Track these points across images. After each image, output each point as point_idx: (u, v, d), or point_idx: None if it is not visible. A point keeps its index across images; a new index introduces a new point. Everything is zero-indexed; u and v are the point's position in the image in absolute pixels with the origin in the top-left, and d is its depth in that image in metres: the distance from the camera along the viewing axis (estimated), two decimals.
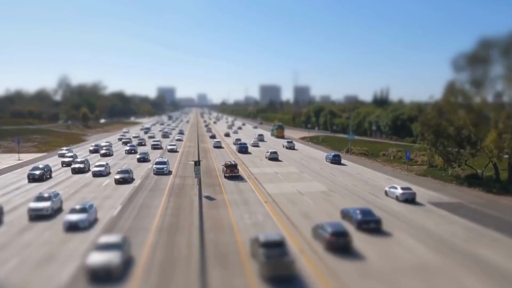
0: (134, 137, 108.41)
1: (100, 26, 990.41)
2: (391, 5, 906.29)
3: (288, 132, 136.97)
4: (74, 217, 28.34)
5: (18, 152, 71.95)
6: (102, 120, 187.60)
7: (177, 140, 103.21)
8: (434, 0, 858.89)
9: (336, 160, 63.61)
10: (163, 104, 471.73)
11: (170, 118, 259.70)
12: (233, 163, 50.91)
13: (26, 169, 51.77)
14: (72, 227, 27.82)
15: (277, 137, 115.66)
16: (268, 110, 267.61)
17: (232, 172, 48.75)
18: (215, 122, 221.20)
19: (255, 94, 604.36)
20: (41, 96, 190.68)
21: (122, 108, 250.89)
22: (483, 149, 45.24)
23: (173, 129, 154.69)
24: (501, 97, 44.95)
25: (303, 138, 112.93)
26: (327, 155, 67.83)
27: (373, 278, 20.56)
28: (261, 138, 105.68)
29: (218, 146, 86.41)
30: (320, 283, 19.95)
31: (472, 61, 44.42)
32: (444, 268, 21.97)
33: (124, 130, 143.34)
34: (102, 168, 50.75)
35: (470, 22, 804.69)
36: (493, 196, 40.80)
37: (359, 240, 26.07)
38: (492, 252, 24.33)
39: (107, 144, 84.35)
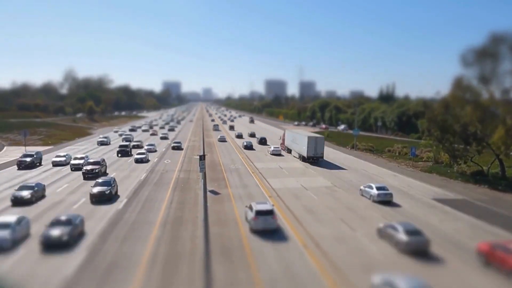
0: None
1: (106, 22, 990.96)
2: (398, 2, 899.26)
3: (292, 128, 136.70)
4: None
5: (25, 145, 72.43)
6: (115, 113, 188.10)
7: None
8: None
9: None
10: (169, 98, 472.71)
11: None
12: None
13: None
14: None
15: None
16: (273, 105, 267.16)
17: None
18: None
19: (260, 89, 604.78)
20: (47, 90, 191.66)
21: (128, 102, 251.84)
22: (490, 145, 44.97)
23: None
24: (509, 94, 44.57)
25: None
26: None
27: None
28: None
29: None
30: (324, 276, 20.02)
31: (481, 56, 44.05)
32: (448, 265, 21.94)
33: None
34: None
35: (476, 21, 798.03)
36: (499, 193, 40.57)
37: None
38: None
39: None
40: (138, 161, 56.56)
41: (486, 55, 43.75)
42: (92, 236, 25.70)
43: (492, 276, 20.60)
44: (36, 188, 34.85)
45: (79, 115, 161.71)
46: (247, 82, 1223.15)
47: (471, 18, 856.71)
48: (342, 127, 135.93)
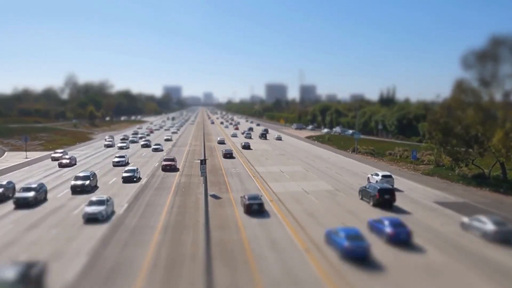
0: None
1: (107, 26, 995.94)
2: (397, 5, 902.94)
3: (292, 131, 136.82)
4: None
5: (26, 150, 72.52)
6: (107, 118, 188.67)
7: None
8: (440, 2, 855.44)
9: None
10: (169, 103, 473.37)
11: None
12: None
13: (34, 167, 51.97)
14: None
15: None
16: (274, 109, 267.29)
17: None
18: None
19: (261, 93, 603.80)
20: (48, 95, 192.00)
21: (128, 107, 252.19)
22: (491, 148, 44.90)
23: None
24: (509, 96, 44.56)
25: (308, 137, 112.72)
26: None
27: (379, 278, 20.52)
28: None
29: None
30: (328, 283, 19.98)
31: (481, 59, 44.09)
32: (449, 268, 21.86)
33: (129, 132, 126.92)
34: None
35: (476, 24, 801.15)
36: (500, 196, 40.47)
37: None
38: (498, 252, 24.17)
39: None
40: None
41: (486, 57, 43.80)
42: (94, 240, 25.68)
43: (492, 280, 20.52)
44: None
45: (78, 120, 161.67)
46: (248, 86, 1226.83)
47: (472, 21, 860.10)
48: (337, 129, 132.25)
